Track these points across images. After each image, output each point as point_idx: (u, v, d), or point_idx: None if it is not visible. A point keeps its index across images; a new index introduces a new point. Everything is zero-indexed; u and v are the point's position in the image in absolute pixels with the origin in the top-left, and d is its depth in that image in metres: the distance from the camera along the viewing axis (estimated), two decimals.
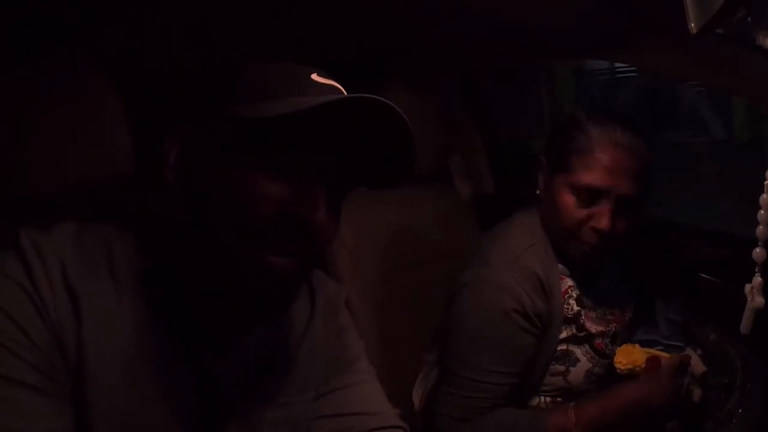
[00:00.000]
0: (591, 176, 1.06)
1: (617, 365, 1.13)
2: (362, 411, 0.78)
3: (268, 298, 0.63)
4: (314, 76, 0.66)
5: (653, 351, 1.13)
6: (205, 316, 0.67)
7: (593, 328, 1.17)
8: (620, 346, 1.18)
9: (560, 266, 1.16)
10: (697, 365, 1.09)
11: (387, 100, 0.61)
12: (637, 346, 1.15)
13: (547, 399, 1.17)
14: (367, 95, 0.60)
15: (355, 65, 1.24)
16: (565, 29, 1.13)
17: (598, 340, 1.18)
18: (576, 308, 1.15)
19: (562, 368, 1.15)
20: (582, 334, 1.16)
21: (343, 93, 0.67)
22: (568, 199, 1.09)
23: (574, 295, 1.15)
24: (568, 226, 1.10)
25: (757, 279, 0.86)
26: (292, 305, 0.71)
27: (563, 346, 1.15)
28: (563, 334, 1.14)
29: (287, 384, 0.75)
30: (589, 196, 1.07)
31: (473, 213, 1.62)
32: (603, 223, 1.06)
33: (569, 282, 1.16)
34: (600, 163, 1.06)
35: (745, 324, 0.89)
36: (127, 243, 0.66)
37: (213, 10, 0.89)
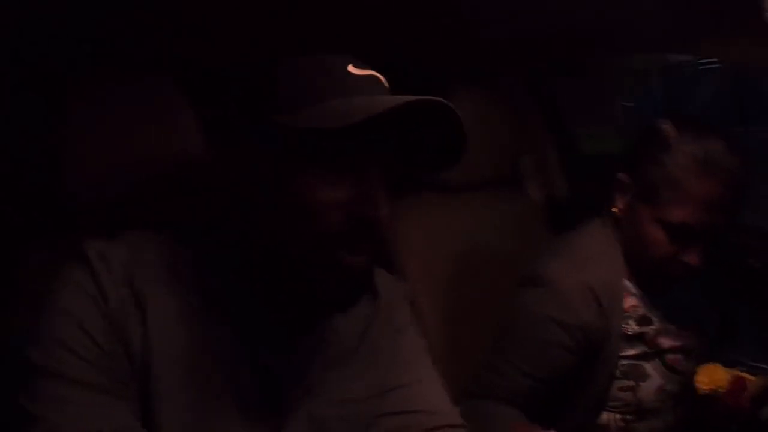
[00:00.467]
0: (684, 213, 0.98)
1: (698, 385, 1.06)
2: (423, 409, 0.77)
3: (342, 296, 0.68)
4: (351, 68, 0.65)
5: (738, 372, 1.06)
6: (267, 315, 0.69)
7: (665, 343, 1.11)
8: (699, 363, 1.11)
9: (627, 283, 1.10)
10: None
11: (438, 98, 0.61)
12: (719, 365, 1.08)
13: (617, 416, 1.12)
14: (420, 97, 0.60)
15: (419, 64, 1.23)
16: (643, 22, 1.06)
17: (670, 356, 1.12)
18: (636, 328, 1.09)
19: (630, 383, 1.10)
20: (652, 350, 1.10)
21: (381, 81, 0.68)
22: (656, 234, 1.02)
23: (635, 316, 1.09)
24: (655, 259, 1.04)
25: None
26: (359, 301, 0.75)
27: (631, 362, 1.09)
28: (631, 351, 1.09)
29: (349, 381, 0.76)
30: (681, 232, 1.00)
31: (544, 217, 1.58)
32: (695, 259, 1.00)
33: (633, 301, 1.10)
34: (694, 197, 0.97)
35: None
36: (189, 247, 0.69)
37: (272, 9, 0.89)
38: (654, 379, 1.10)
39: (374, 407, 0.77)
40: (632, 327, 1.09)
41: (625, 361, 1.09)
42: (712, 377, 1.06)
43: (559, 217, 1.57)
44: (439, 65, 1.36)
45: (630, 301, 1.10)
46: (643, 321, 1.10)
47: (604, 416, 1.12)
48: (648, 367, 1.10)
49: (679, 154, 1.00)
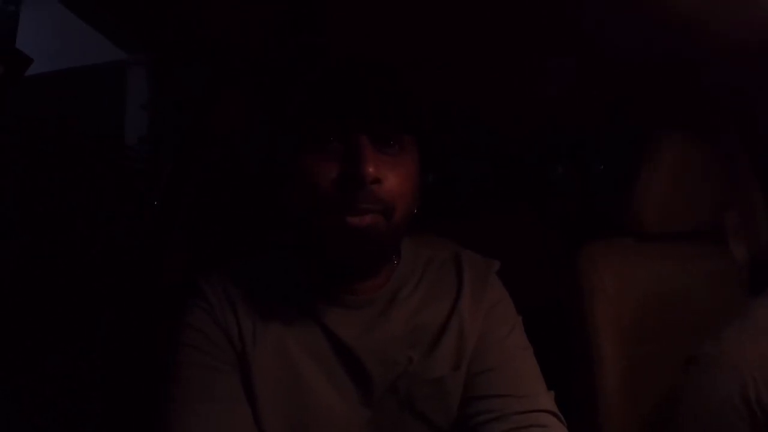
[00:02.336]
0: None
1: None
2: (510, 393, 0.77)
3: (363, 255, 0.74)
4: None
5: None
6: (334, 297, 0.79)
7: None
8: None
9: None
10: None
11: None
12: None
13: None
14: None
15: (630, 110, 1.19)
16: None
17: None
18: None
19: None
20: None
21: None
22: None
23: None
24: None
25: None
26: (386, 260, 0.81)
27: None
28: None
29: (438, 361, 0.79)
30: None
31: (745, 279, 1.44)
32: None
33: None
34: None
35: None
36: (265, 265, 0.85)
37: None
38: None
39: (463, 389, 0.79)
40: None
41: None
42: None
43: (762, 280, 1.42)
44: (647, 107, 1.31)
45: None
46: None
47: None
48: None
49: None
